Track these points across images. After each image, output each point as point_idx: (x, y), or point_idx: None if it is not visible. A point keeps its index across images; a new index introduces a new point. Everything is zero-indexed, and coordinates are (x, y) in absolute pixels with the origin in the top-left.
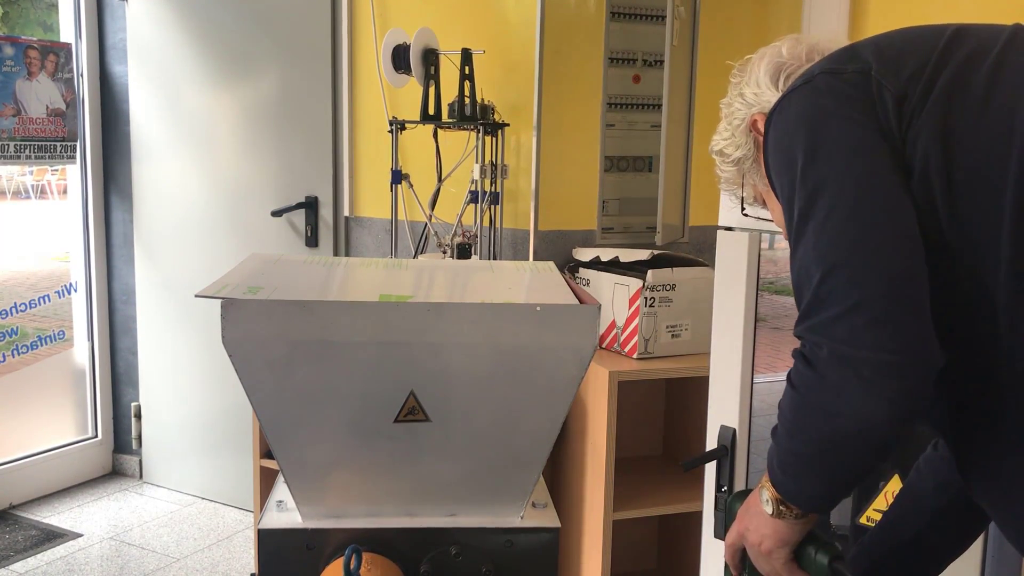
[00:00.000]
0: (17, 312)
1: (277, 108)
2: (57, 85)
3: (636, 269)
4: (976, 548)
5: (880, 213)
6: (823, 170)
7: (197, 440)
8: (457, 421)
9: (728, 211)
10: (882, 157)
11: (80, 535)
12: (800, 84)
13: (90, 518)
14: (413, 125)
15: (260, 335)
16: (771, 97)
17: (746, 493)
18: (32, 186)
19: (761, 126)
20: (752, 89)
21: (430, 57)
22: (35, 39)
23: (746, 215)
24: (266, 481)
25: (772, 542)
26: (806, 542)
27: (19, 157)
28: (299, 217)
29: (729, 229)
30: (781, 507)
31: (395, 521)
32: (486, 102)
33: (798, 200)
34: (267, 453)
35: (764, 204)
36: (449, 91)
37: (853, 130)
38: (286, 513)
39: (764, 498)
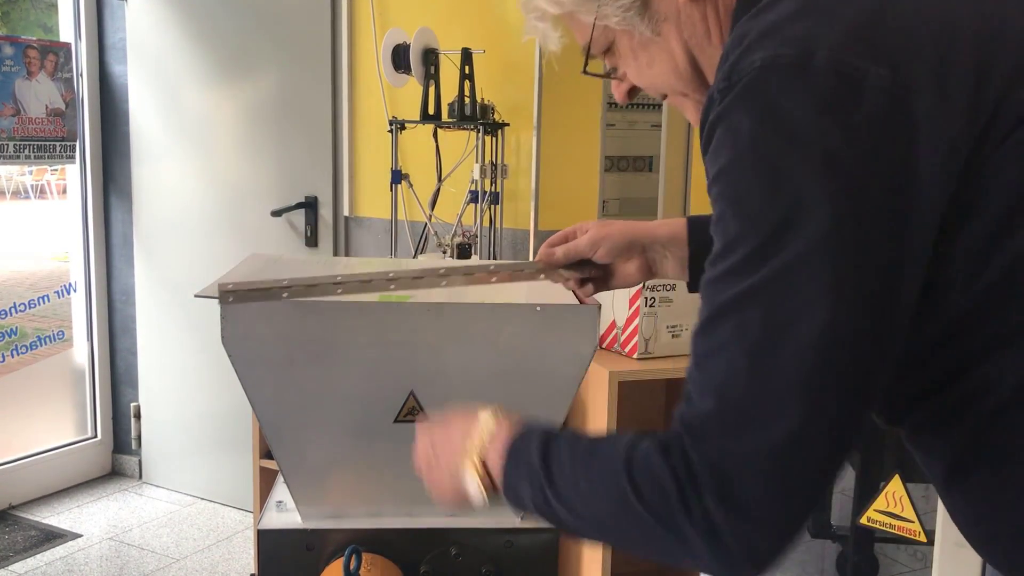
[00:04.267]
0: (17, 312)
1: (277, 108)
2: (57, 85)
3: None
4: None
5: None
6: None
7: (197, 440)
8: None
9: None
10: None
11: (80, 535)
12: (794, 77)
13: (90, 518)
14: (413, 125)
15: (260, 335)
16: None
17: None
18: (32, 186)
19: None
20: None
21: (430, 57)
22: (35, 39)
23: (587, 73)
24: (266, 481)
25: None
26: None
27: (19, 157)
28: (299, 217)
29: None
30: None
31: (395, 521)
32: (486, 102)
33: (748, 250)
34: (267, 453)
35: (607, 51)
36: (449, 91)
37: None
38: (286, 513)
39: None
